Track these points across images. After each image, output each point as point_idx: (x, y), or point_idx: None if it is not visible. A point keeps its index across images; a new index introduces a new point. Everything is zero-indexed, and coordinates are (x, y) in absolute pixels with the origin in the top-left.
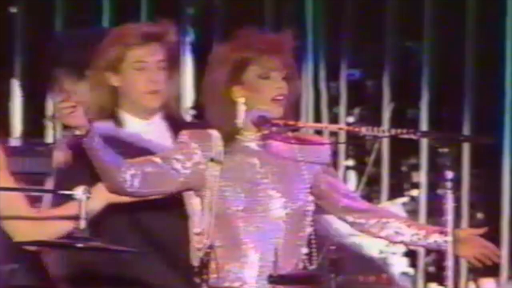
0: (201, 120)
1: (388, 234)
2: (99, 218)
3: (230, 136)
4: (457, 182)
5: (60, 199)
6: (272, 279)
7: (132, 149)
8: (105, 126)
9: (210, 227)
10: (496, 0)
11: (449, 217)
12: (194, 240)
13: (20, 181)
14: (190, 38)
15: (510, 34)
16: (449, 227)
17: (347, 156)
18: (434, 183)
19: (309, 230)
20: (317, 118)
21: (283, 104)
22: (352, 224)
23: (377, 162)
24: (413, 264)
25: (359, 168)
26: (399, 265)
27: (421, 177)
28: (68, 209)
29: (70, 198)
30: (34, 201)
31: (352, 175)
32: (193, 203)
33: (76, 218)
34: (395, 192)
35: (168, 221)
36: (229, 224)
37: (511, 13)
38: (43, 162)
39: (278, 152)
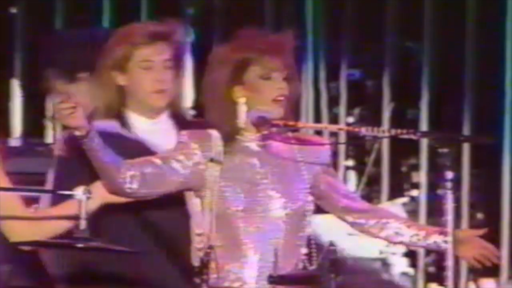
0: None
1: (387, 235)
2: (103, 214)
3: (230, 136)
4: (457, 182)
5: (59, 197)
6: (272, 279)
7: (134, 149)
8: (108, 125)
9: (210, 227)
10: (496, 0)
11: (449, 217)
12: (196, 241)
13: (16, 181)
14: (190, 38)
15: (510, 34)
16: (449, 227)
17: (347, 156)
18: (434, 183)
19: (309, 230)
20: (317, 118)
21: (283, 104)
22: (352, 224)
23: (377, 162)
24: (413, 264)
25: (359, 168)
26: (399, 265)
27: (421, 177)
28: (64, 208)
29: (69, 197)
30: (34, 201)
31: (352, 175)
32: (194, 203)
33: (72, 217)
34: (395, 192)
35: (172, 219)
36: (229, 224)
37: (511, 13)
38: (43, 162)
39: (278, 152)
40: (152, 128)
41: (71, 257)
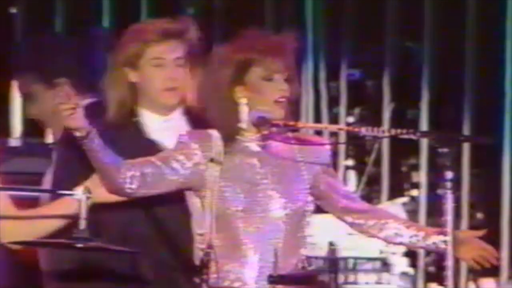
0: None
1: (387, 235)
2: (105, 211)
3: (231, 137)
4: (457, 182)
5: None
6: (272, 279)
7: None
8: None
9: (210, 227)
10: (496, 0)
11: (449, 217)
12: (197, 240)
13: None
14: None
15: (510, 34)
16: (449, 227)
17: (347, 156)
18: (434, 183)
19: (308, 230)
20: (317, 118)
21: (284, 106)
22: (351, 224)
23: (377, 162)
24: (413, 264)
25: (359, 168)
26: (399, 265)
27: (421, 177)
28: (55, 207)
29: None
30: (33, 201)
31: (352, 175)
32: (194, 202)
33: (64, 216)
34: (395, 192)
35: (175, 216)
36: (229, 225)
37: (511, 13)
38: (43, 162)
39: (278, 152)
40: (165, 126)
41: (71, 253)
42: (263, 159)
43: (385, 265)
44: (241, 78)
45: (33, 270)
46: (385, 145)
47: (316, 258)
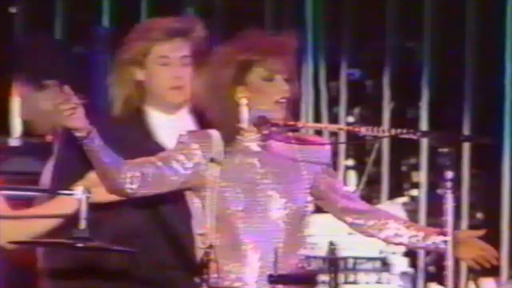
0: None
1: (387, 236)
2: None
3: (231, 137)
4: (457, 182)
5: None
6: (272, 279)
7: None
8: None
9: (210, 227)
10: (496, 0)
11: (449, 217)
12: (197, 240)
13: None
14: None
15: (510, 34)
16: (449, 227)
17: (347, 156)
18: (434, 183)
19: (308, 230)
20: (317, 118)
21: (285, 106)
22: (351, 225)
23: (377, 162)
24: (413, 264)
25: (359, 168)
26: (399, 265)
27: (421, 177)
28: (50, 206)
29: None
30: (33, 201)
31: (352, 175)
32: (194, 202)
33: (58, 216)
34: (395, 192)
35: (177, 216)
36: (229, 224)
37: (511, 13)
38: (43, 162)
39: (278, 152)
40: (171, 124)
41: (70, 253)
42: (263, 159)
43: (385, 265)
44: (242, 79)
45: (28, 271)
46: (385, 145)
47: (316, 258)
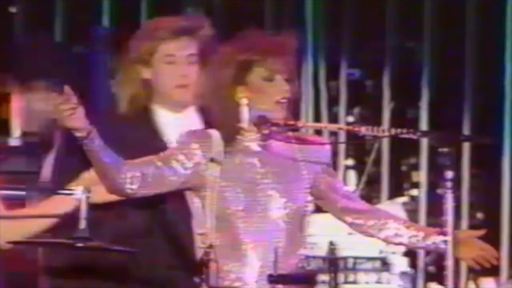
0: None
1: (387, 236)
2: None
3: (231, 136)
4: (457, 182)
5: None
6: (272, 279)
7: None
8: None
9: (210, 227)
10: (496, 0)
11: (449, 217)
12: (197, 240)
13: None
14: None
15: (510, 34)
16: (449, 227)
17: (347, 156)
18: (434, 183)
19: (308, 230)
20: (317, 118)
21: (285, 106)
22: (350, 224)
23: (377, 162)
24: (413, 264)
25: (359, 168)
26: (399, 264)
27: (421, 177)
28: (45, 206)
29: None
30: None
31: (352, 175)
32: (194, 202)
33: (53, 216)
34: (395, 192)
35: (177, 216)
36: (229, 224)
37: (511, 13)
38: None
39: (278, 152)
40: (178, 122)
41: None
42: (264, 159)
43: (385, 265)
44: (242, 79)
45: (28, 271)
46: (385, 144)
47: (316, 257)
